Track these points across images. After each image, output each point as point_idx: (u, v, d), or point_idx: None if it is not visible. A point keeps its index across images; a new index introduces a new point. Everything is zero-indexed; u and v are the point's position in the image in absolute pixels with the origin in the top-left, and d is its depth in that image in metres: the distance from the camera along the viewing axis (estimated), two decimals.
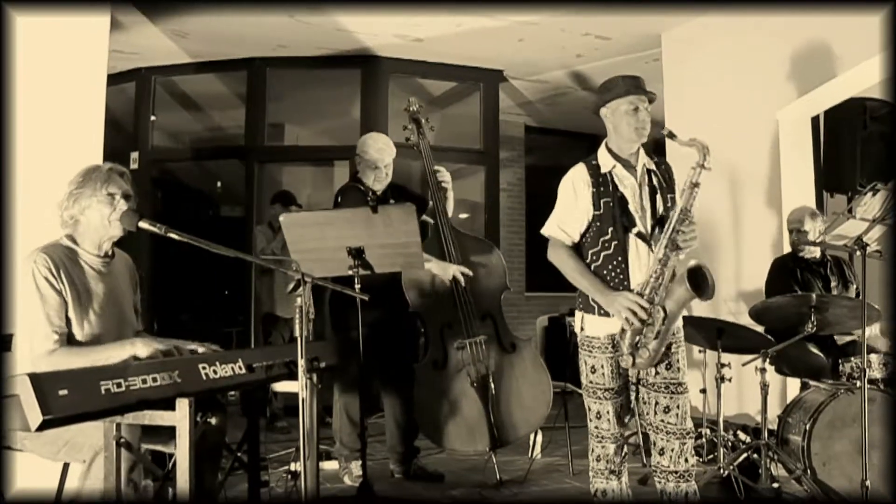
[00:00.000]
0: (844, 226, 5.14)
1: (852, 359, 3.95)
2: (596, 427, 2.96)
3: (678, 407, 2.89)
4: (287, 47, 6.38)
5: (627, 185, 2.94)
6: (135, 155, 6.84)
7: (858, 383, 3.55)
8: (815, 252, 4.41)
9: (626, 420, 3.04)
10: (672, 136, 2.90)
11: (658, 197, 2.95)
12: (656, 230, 2.88)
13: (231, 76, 7.04)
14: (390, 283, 3.97)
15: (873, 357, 3.89)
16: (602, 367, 2.91)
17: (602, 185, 2.92)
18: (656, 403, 2.91)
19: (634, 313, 2.77)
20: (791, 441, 3.83)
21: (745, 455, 3.86)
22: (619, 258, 2.88)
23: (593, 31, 6.00)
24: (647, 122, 2.92)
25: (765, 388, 3.77)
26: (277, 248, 5.81)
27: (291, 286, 2.50)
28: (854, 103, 5.24)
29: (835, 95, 4.90)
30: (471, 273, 4.11)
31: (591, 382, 2.95)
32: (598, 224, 2.90)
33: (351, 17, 5.73)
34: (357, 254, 3.25)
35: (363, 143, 4.19)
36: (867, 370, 3.39)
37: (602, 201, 2.90)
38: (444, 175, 4.24)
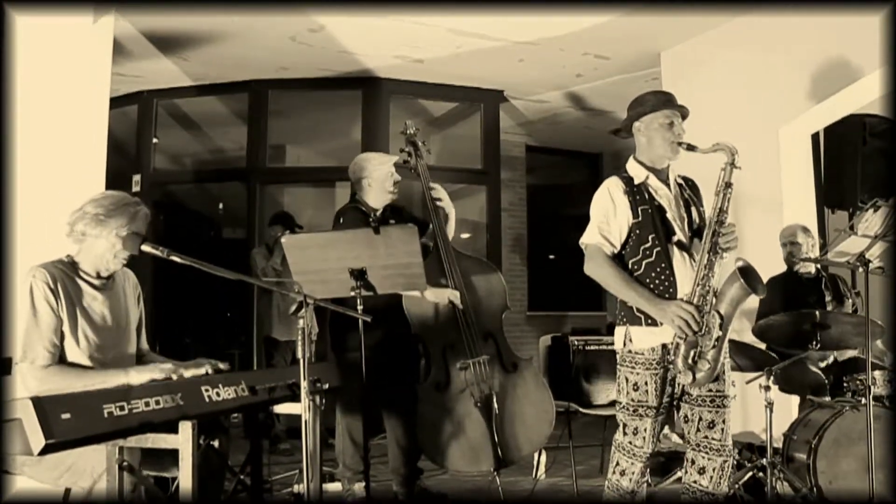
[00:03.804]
0: (846, 242, 5.15)
1: (856, 375, 3.94)
2: (630, 443, 2.84)
3: (723, 421, 2.79)
4: (288, 69, 6.41)
5: (662, 195, 2.91)
6: (137, 177, 6.87)
7: (863, 400, 3.53)
8: (810, 268, 4.42)
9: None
10: (692, 147, 2.89)
11: (693, 209, 2.94)
12: (695, 240, 2.84)
13: (233, 98, 7.07)
14: (391, 304, 3.96)
15: (877, 374, 3.88)
16: (646, 383, 2.81)
17: (638, 193, 2.89)
18: (700, 419, 2.81)
19: (687, 323, 2.68)
20: (796, 459, 3.81)
21: (750, 473, 3.84)
22: (663, 265, 2.81)
23: (592, 50, 6.03)
24: (682, 136, 2.92)
25: (769, 405, 3.76)
26: (277, 263, 5.78)
27: (294, 307, 2.49)
28: (854, 120, 5.27)
29: (835, 112, 4.92)
30: (457, 295, 4.09)
31: (632, 400, 2.83)
32: (638, 232, 2.85)
33: (352, 38, 5.76)
34: (359, 275, 3.25)
35: (363, 166, 4.17)
36: (871, 387, 3.38)
37: (640, 209, 2.86)
38: (440, 192, 4.22)
